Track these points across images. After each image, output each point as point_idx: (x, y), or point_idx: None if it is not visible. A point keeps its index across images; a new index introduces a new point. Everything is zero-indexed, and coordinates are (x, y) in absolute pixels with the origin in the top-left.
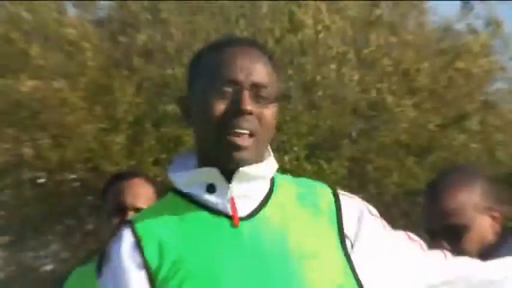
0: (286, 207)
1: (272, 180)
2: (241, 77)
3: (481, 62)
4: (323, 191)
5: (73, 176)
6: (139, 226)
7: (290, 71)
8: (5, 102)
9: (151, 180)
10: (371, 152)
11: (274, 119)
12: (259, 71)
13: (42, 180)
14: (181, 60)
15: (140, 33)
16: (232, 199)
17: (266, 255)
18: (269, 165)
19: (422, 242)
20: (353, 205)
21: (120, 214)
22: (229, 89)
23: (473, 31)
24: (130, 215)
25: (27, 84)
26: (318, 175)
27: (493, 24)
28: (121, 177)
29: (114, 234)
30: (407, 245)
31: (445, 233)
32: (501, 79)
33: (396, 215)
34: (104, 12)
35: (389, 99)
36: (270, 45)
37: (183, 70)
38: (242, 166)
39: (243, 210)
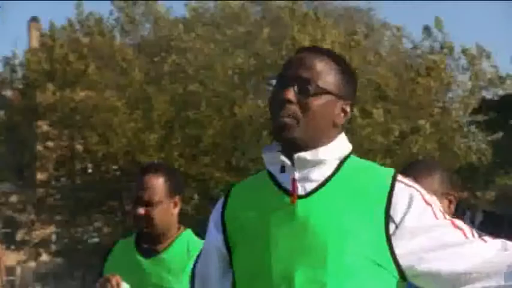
0: (342, 191)
1: (340, 164)
2: (288, 72)
3: (437, 77)
4: (382, 178)
5: (115, 167)
6: (232, 192)
7: None
8: (63, 109)
9: (167, 172)
10: None
11: (321, 108)
12: (308, 68)
13: (90, 170)
14: (198, 78)
15: (169, 57)
16: (294, 180)
17: (312, 231)
18: (329, 151)
19: (467, 229)
20: (405, 192)
21: (137, 203)
22: (280, 82)
23: (432, 52)
24: (140, 208)
25: (81, 95)
26: None
27: (447, 47)
28: (142, 173)
29: (134, 218)
30: (449, 236)
31: None
32: (453, 90)
33: None
34: (143, 37)
35: (354, 112)
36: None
37: (200, 86)
38: (290, 146)
39: (302, 190)
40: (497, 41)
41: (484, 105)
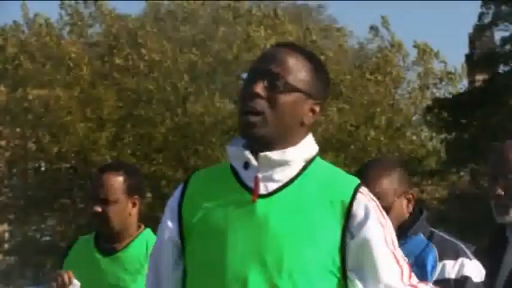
0: (304, 194)
1: (306, 166)
2: (259, 66)
3: (389, 74)
4: (345, 187)
5: (67, 165)
6: (192, 181)
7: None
8: (16, 108)
9: (127, 171)
10: None
11: (290, 105)
12: (279, 63)
13: (43, 169)
14: (153, 74)
15: (120, 54)
16: (257, 178)
17: (269, 232)
18: (296, 152)
19: (406, 268)
20: (365, 206)
21: (94, 201)
22: (250, 76)
23: (381, 50)
24: (97, 206)
25: (33, 93)
26: None
27: (396, 43)
28: (100, 170)
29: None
30: (387, 271)
31: None
32: (402, 88)
33: None
34: (93, 37)
35: None
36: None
37: (153, 83)
38: (256, 143)
39: (263, 189)
40: (445, 40)
41: (437, 105)
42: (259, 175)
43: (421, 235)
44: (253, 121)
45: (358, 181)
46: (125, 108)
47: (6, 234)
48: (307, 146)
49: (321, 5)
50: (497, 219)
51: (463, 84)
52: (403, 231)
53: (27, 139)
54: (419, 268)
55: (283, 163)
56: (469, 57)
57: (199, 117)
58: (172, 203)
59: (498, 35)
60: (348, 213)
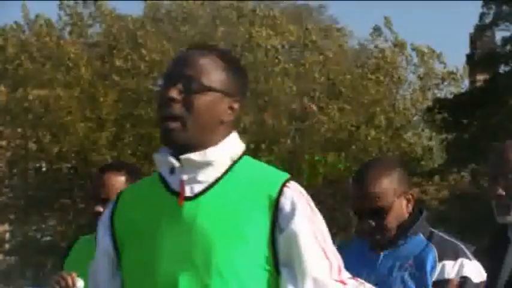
0: (230, 193)
1: (232, 165)
2: (172, 70)
3: (390, 74)
4: (272, 182)
5: (68, 165)
6: (123, 194)
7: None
8: (16, 108)
9: (128, 171)
10: (304, 147)
11: (207, 106)
12: (192, 65)
13: (43, 169)
14: (152, 74)
15: (120, 54)
16: (182, 181)
17: (198, 234)
18: (218, 151)
19: (335, 263)
20: (293, 200)
21: (96, 201)
22: (165, 81)
23: (382, 51)
24: (98, 206)
25: (33, 93)
26: None
27: (399, 43)
28: (101, 170)
29: (93, 216)
30: (315, 265)
31: (370, 213)
32: (405, 88)
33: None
34: (93, 37)
35: (314, 107)
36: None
37: (153, 83)
38: (177, 147)
39: (189, 192)
40: (446, 40)
41: (438, 105)
42: (184, 178)
43: (421, 235)
44: (172, 127)
45: (287, 176)
46: (125, 108)
47: (7, 234)
48: (231, 145)
49: (322, 5)
50: (498, 219)
51: (464, 85)
52: (402, 232)
53: (28, 139)
54: (419, 268)
55: (205, 164)
56: (470, 58)
57: None
58: (104, 217)
59: (499, 35)
60: (275, 208)
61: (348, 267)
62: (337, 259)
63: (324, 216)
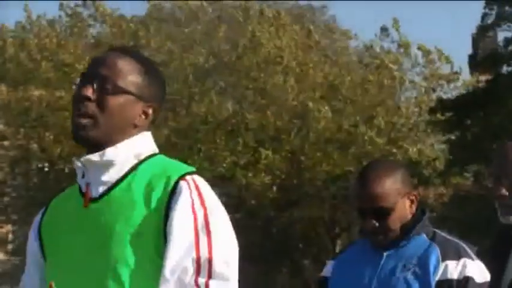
0: (131, 191)
1: (137, 165)
2: (89, 70)
3: (391, 75)
4: (171, 177)
5: (70, 166)
6: (53, 200)
7: (246, 82)
8: (17, 108)
9: None
10: (305, 145)
11: (120, 108)
12: (109, 66)
13: (46, 169)
14: None
15: None
16: (87, 183)
17: (100, 234)
18: (118, 152)
19: (204, 257)
20: (181, 191)
21: None
22: (81, 81)
23: (388, 52)
24: None
25: (35, 94)
26: (265, 164)
27: (404, 46)
28: None
29: None
30: (181, 249)
31: (373, 213)
32: (410, 89)
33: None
34: (94, 38)
35: (310, 105)
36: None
37: None
38: (85, 144)
39: (95, 193)
40: (447, 41)
41: (440, 105)
42: (90, 180)
43: (424, 235)
44: (83, 123)
45: (189, 170)
46: None
47: (10, 235)
48: (135, 144)
49: (324, 5)
50: (502, 220)
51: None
52: (405, 232)
53: (30, 139)
54: (422, 269)
55: (106, 164)
56: (472, 58)
57: (202, 117)
58: (34, 223)
59: (501, 35)
60: (168, 201)
61: (350, 267)
62: (212, 252)
63: (326, 217)
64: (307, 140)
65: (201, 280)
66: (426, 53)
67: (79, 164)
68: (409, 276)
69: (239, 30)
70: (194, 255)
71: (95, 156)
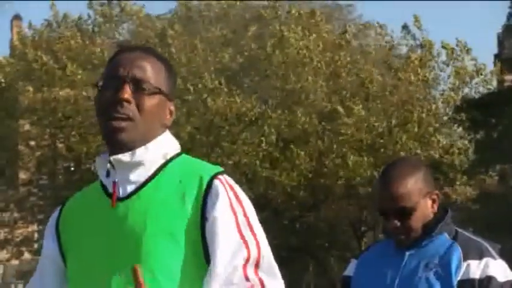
0: (161, 191)
1: (164, 165)
2: (119, 72)
3: (418, 74)
4: (203, 177)
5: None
6: (68, 200)
7: (275, 81)
8: (43, 108)
9: None
10: (333, 146)
11: (156, 108)
12: (140, 67)
13: (72, 169)
14: (180, 74)
15: None
16: (114, 182)
17: (129, 234)
18: (148, 152)
19: (254, 254)
20: (217, 190)
21: None
22: (112, 83)
23: (412, 50)
24: None
25: (61, 94)
26: (291, 164)
27: (426, 43)
28: None
29: None
30: (230, 248)
31: (395, 213)
32: (435, 88)
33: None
34: (121, 37)
35: (339, 108)
36: (262, 58)
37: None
38: (122, 147)
39: (122, 193)
40: (477, 38)
41: (466, 104)
42: (117, 179)
43: (446, 235)
44: (122, 126)
45: (219, 170)
46: None
47: (36, 234)
48: (163, 144)
49: (350, 4)
50: None
51: (493, 84)
52: (427, 231)
53: (56, 139)
54: (444, 268)
55: (135, 164)
56: (497, 57)
57: (222, 113)
58: (50, 224)
59: None
60: (203, 201)
61: (373, 266)
62: (260, 249)
63: (352, 215)
64: (336, 140)
65: (253, 277)
66: (450, 50)
67: (106, 164)
68: (431, 275)
69: (267, 29)
70: (245, 253)
71: (125, 157)
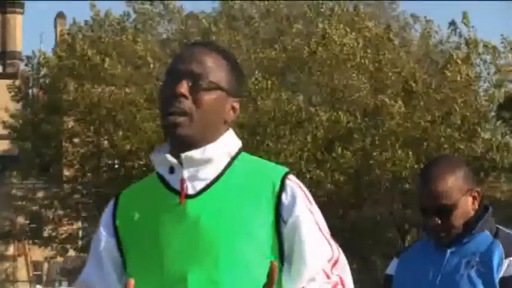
0: (232, 188)
1: (231, 162)
2: (179, 66)
3: (462, 71)
4: (273, 176)
5: (140, 162)
6: (122, 195)
7: (319, 78)
8: (85, 104)
9: None
10: (376, 144)
11: (214, 104)
12: (200, 63)
13: (116, 166)
14: None
15: None
16: (182, 180)
17: (203, 231)
18: (217, 149)
19: (336, 251)
20: (293, 192)
21: None
22: (171, 78)
23: (457, 47)
24: None
25: (105, 90)
26: (336, 163)
27: (472, 43)
28: None
29: None
30: (317, 247)
31: (436, 211)
32: (480, 85)
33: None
34: (163, 35)
35: (387, 100)
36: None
37: None
38: (180, 144)
39: (191, 190)
40: None
41: (509, 102)
42: (185, 176)
43: (487, 232)
44: (179, 121)
45: (286, 170)
46: None
47: (80, 232)
48: (229, 142)
49: (393, 2)
50: None
51: None
52: (468, 229)
53: (100, 136)
54: (485, 265)
55: (206, 161)
56: None
57: (269, 113)
58: (105, 218)
59: None
60: (277, 201)
61: (415, 264)
62: (339, 250)
63: (396, 213)
64: (380, 138)
65: (334, 275)
66: (492, 49)
67: (173, 160)
68: (473, 273)
69: (311, 27)
70: (328, 252)
71: (196, 153)
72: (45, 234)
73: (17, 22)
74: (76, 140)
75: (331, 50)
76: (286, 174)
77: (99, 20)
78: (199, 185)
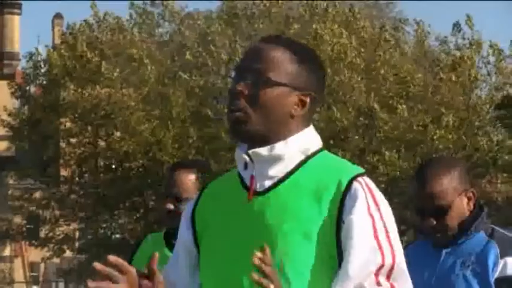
0: (300, 188)
1: (305, 160)
2: (242, 64)
3: (462, 72)
4: (342, 177)
5: (137, 163)
6: (207, 188)
7: None
8: (84, 106)
9: (200, 169)
10: (372, 143)
11: (274, 100)
12: (261, 59)
13: (113, 166)
14: (220, 72)
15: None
16: (252, 176)
17: (266, 229)
18: (288, 146)
19: (388, 261)
20: (356, 194)
21: (167, 198)
22: (235, 75)
23: (459, 49)
24: (169, 204)
25: (102, 92)
26: None
27: (475, 44)
28: (172, 168)
29: (165, 213)
30: (363, 254)
31: (431, 212)
32: (481, 88)
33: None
34: (163, 36)
35: (377, 106)
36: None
37: (223, 80)
38: (247, 140)
39: (260, 187)
40: None
41: (507, 101)
42: (255, 173)
43: (482, 232)
44: (236, 118)
45: (359, 171)
46: (192, 105)
47: (77, 233)
48: (303, 140)
49: (390, 2)
50: None
51: None
52: (464, 229)
53: (97, 137)
54: (481, 266)
55: (274, 158)
56: None
57: None
58: (187, 211)
59: None
60: (341, 203)
61: (410, 264)
62: (395, 257)
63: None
64: (375, 138)
65: (386, 283)
66: (498, 51)
67: (244, 156)
68: (468, 273)
69: (306, 27)
70: (380, 260)
71: (263, 150)
72: (42, 234)
73: (15, 23)
74: (73, 141)
75: (323, 50)
76: (358, 175)
77: (97, 20)
78: (268, 183)
